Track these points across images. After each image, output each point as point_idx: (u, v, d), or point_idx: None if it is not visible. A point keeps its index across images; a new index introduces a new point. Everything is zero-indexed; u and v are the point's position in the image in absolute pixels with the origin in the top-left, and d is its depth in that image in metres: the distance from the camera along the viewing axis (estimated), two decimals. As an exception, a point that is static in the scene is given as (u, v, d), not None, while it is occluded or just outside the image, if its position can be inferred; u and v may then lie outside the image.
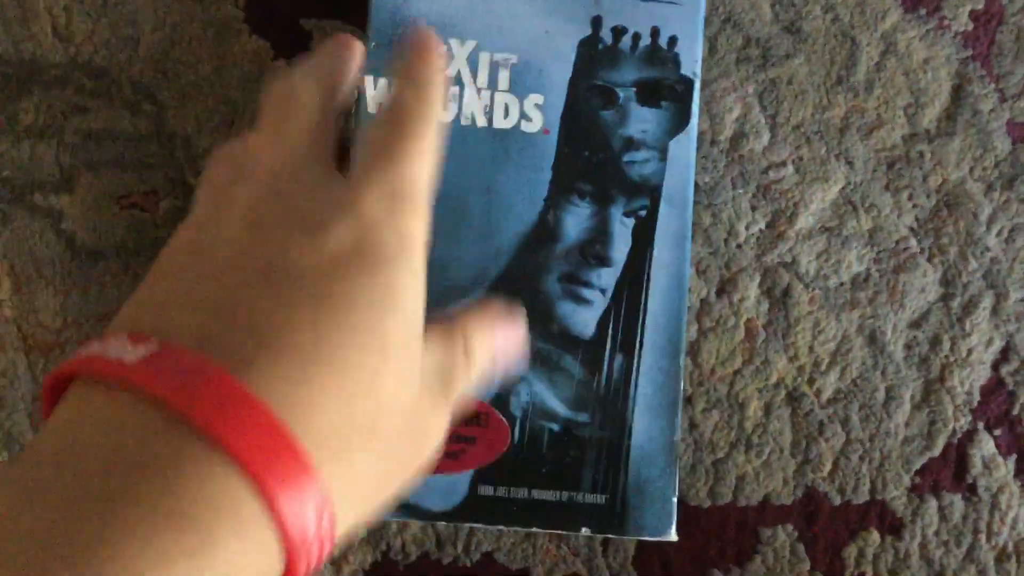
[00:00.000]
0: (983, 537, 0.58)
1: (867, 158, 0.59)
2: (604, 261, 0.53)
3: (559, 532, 0.54)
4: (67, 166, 0.58)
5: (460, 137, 0.53)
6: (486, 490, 0.53)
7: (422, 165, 0.41)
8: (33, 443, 0.33)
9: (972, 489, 0.58)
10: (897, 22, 0.59)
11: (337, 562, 0.57)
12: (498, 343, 0.44)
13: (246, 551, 0.31)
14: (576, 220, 0.53)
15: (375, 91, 0.53)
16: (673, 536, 0.53)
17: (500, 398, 0.53)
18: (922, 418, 0.58)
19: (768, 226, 0.58)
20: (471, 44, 0.54)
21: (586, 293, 0.53)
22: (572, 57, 0.54)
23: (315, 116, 0.42)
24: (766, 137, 0.59)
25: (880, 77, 0.59)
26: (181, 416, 0.31)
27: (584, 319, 0.53)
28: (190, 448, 0.31)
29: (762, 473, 0.58)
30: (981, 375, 0.58)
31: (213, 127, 0.58)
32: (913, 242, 0.58)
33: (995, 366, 0.58)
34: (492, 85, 0.54)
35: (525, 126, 0.54)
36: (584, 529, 0.53)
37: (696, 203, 0.58)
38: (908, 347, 0.58)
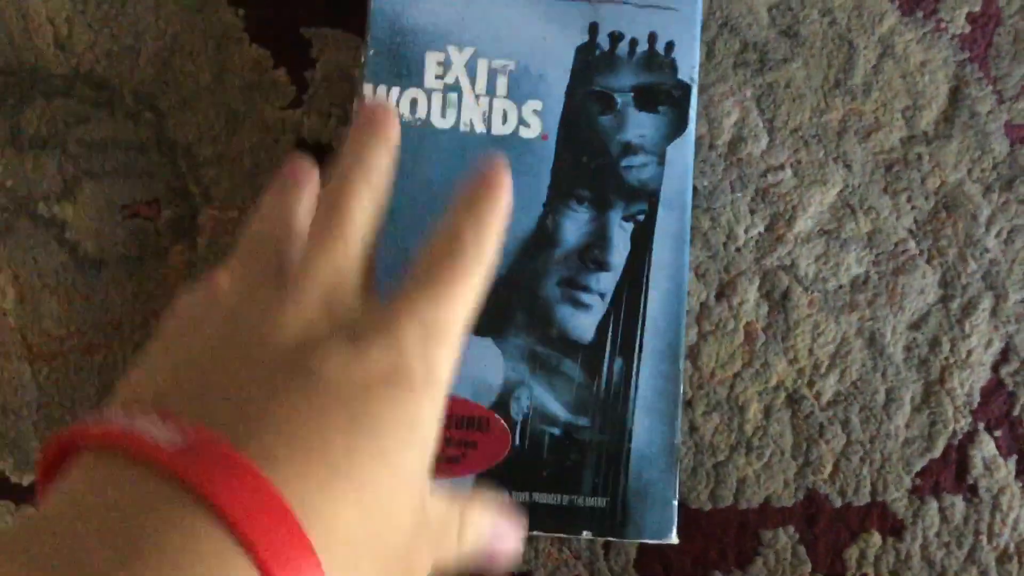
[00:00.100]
0: (984, 538, 0.58)
1: (865, 161, 0.59)
2: (603, 265, 0.54)
3: (560, 535, 0.55)
4: (70, 176, 0.59)
5: (459, 143, 0.54)
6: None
7: (466, 307, 0.42)
8: (50, 513, 0.34)
9: (973, 490, 0.58)
10: (894, 25, 0.59)
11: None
12: (494, 530, 0.45)
13: None
14: (575, 225, 0.54)
15: (374, 98, 0.54)
16: (674, 539, 0.53)
17: (501, 403, 0.53)
18: (922, 420, 0.58)
19: (767, 229, 0.58)
20: (469, 51, 0.54)
21: (585, 297, 0.54)
22: (570, 63, 0.54)
23: (369, 235, 0.44)
24: (764, 141, 0.59)
25: (878, 80, 0.59)
26: (209, 507, 0.32)
27: (583, 323, 0.54)
28: (214, 539, 0.32)
29: (763, 475, 0.58)
30: (981, 376, 0.58)
31: (214, 135, 0.59)
32: (912, 244, 0.59)
33: (995, 367, 0.58)
34: (490, 91, 0.54)
35: (523, 132, 0.54)
36: (585, 532, 0.53)
37: (695, 207, 0.58)
38: (908, 349, 0.58)
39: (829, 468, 0.58)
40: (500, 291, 0.53)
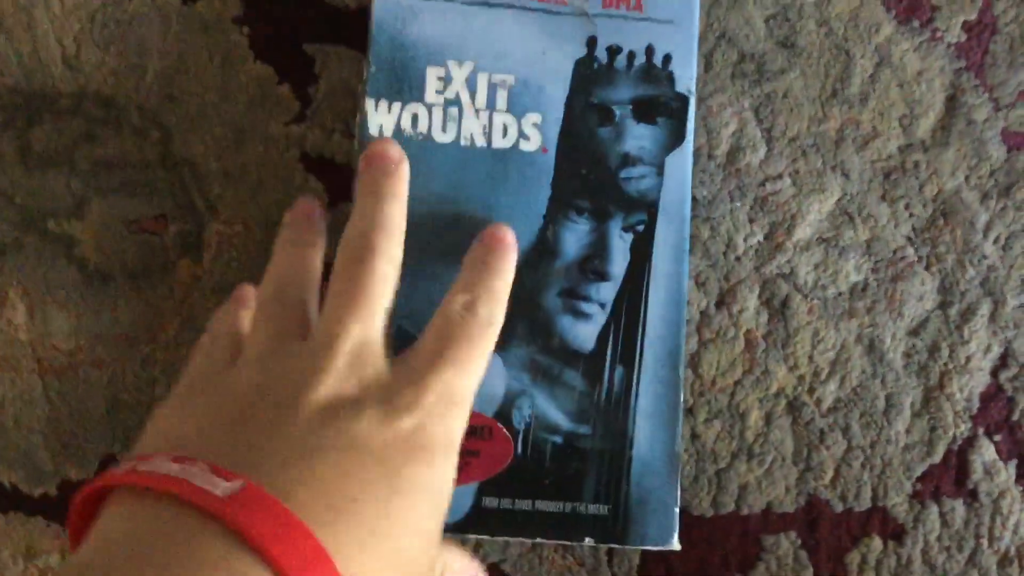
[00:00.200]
0: (985, 542, 0.58)
1: (863, 169, 0.59)
2: (603, 276, 0.54)
3: (563, 543, 0.55)
4: (78, 193, 0.59)
5: (460, 157, 0.54)
6: (491, 502, 0.53)
7: (480, 374, 0.45)
8: (97, 558, 0.35)
9: (973, 495, 0.58)
10: (890, 35, 0.60)
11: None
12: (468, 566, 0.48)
13: None
14: (575, 236, 0.54)
15: (375, 113, 0.54)
16: (675, 545, 0.53)
17: (503, 412, 0.53)
18: (922, 425, 0.58)
19: (766, 238, 0.59)
20: (469, 66, 0.55)
21: (586, 307, 0.54)
22: (568, 77, 0.55)
23: (391, 296, 0.46)
24: (762, 151, 0.59)
25: (874, 89, 0.59)
26: (262, 558, 0.34)
27: (584, 333, 0.54)
28: None
29: (764, 482, 0.58)
30: (980, 382, 0.59)
31: (219, 151, 0.59)
32: (910, 251, 0.59)
33: (994, 372, 0.59)
34: (490, 106, 0.55)
35: (523, 145, 0.54)
36: (587, 539, 0.53)
37: (694, 217, 0.58)
38: (907, 355, 0.59)
39: (830, 474, 0.58)
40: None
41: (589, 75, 0.55)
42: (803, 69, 0.59)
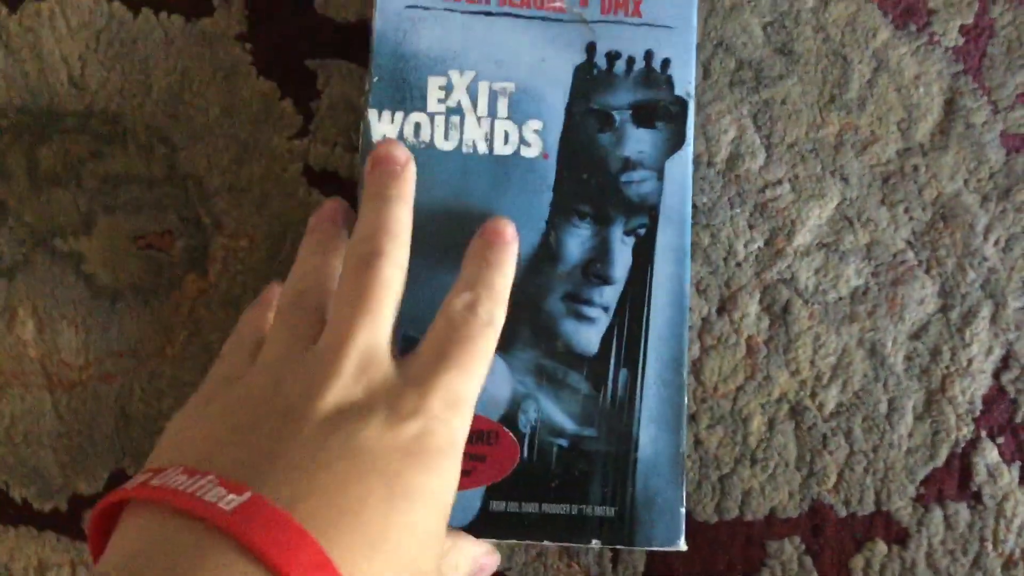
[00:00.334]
0: (989, 545, 0.58)
1: (862, 174, 0.59)
2: (606, 279, 0.54)
3: (570, 546, 0.55)
4: (85, 210, 0.60)
5: (462, 164, 0.55)
6: (498, 506, 0.53)
7: (481, 377, 0.46)
8: (110, 572, 0.37)
9: (977, 497, 0.58)
10: (888, 39, 0.60)
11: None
12: (481, 552, 0.51)
13: None
14: (577, 240, 0.54)
15: (378, 123, 0.55)
16: (682, 546, 0.53)
17: (508, 416, 0.54)
18: (925, 428, 0.58)
19: (766, 244, 0.59)
20: (470, 74, 0.55)
21: (589, 311, 0.54)
22: (568, 83, 0.55)
23: (398, 302, 0.47)
24: (761, 157, 0.60)
25: (872, 94, 0.60)
26: (268, 569, 0.35)
27: (588, 336, 0.54)
28: None
29: (767, 487, 0.58)
30: (982, 384, 0.59)
31: (223, 167, 0.60)
32: (910, 255, 0.59)
33: (996, 375, 0.59)
34: (492, 113, 0.55)
35: (525, 151, 0.55)
36: (594, 541, 0.53)
37: (695, 223, 0.59)
38: (909, 359, 0.59)
39: (833, 478, 0.58)
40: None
41: (589, 81, 0.55)
42: (801, 75, 0.60)
